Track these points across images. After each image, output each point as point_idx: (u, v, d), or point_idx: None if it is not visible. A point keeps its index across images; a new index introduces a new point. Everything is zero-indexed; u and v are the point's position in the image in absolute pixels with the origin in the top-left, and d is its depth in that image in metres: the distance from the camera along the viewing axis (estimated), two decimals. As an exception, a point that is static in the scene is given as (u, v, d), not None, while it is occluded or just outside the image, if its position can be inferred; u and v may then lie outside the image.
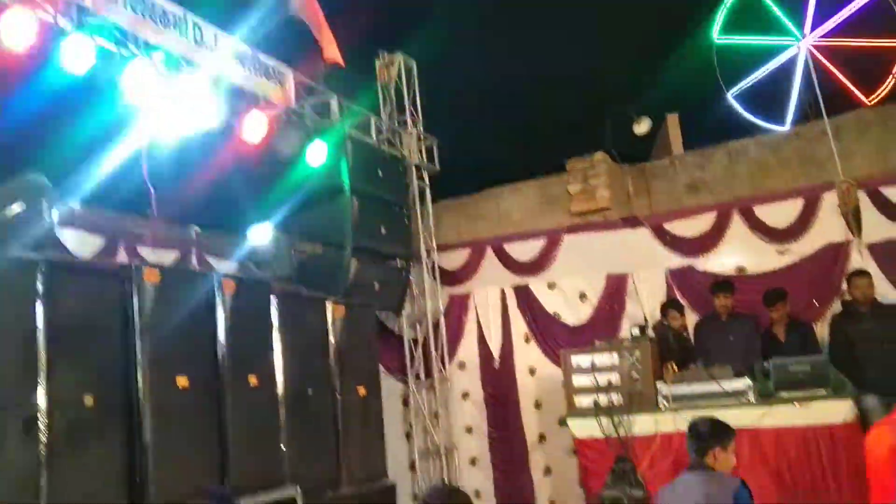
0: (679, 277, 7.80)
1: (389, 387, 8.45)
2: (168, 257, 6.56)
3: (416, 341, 8.74)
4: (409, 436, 8.87)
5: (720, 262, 7.67)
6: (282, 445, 5.54)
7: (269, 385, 5.53)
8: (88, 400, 4.28)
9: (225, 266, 6.71)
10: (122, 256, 6.17)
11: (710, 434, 3.84)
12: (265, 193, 6.63)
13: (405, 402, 8.91)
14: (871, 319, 6.47)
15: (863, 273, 6.60)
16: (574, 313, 8.31)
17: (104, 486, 4.31)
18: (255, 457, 5.25)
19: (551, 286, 8.44)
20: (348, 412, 6.24)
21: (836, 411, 5.75)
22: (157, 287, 4.73)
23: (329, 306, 6.27)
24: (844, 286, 6.86)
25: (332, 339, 6.24)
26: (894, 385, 6.15)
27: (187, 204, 6.09)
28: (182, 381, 4.79)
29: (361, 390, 6.47)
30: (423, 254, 8.65)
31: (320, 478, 5.86)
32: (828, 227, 7.21)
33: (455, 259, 8.90)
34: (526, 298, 8.51)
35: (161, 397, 4.65)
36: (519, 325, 8.57)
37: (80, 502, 4.13)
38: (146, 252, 6.33)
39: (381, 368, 7.57)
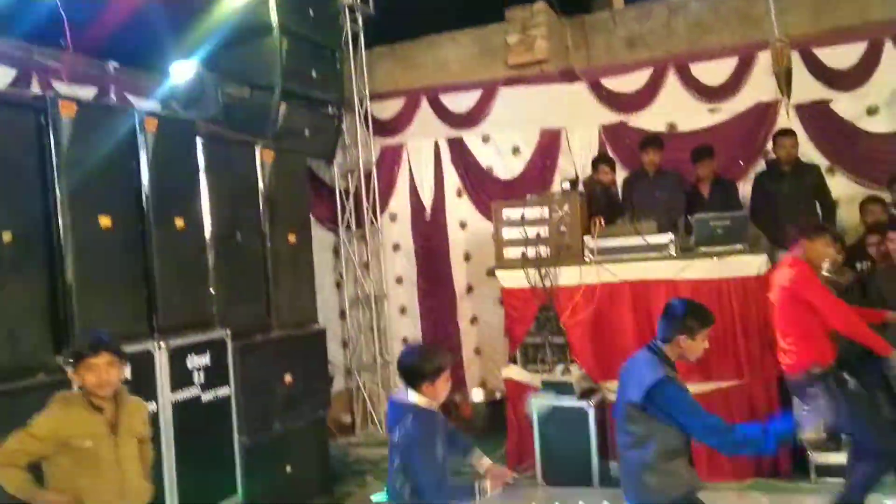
0: (611, 133, 7.83)
1: (320, 237, 8.45)
2: (85, 93, 6.20)
3: (347, 191, 8.68)
4: (339, 285, 8.98)
5: (652, 118, 7.70)
6: (210, 289, 5.51)
7: (196, 228, 5.42)
8: (6, 235, 4.12)
9: (146, 105, 6.39)
10: (35, 90, 5.81)
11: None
12: (188, 28, 6.27)
13: (336, 252, 8.96)
14: (792, 178, 6.68)
15: (788, 132, 6.75)
16: (507, 167, 8.32)
17: (28, 323, 4.23)
18: (183, 299, 5.21)
19: (485, 139, 8.40)
20: (278, 258, 6.21)
21: (750, 265, 6.02)
22: (74, 121, 4.48)
23: (258, 150, 6.09)
24: (770, 145, 7.03)
25: (261, 184, 6.12)
26: (807, 241, 6.46)
27: (104, 37, 5.73)
28: (104, 221, 4.65)
29: (292, 237, 6.42)
30: (356, 101, 8.44)
31: (250, 321, 5.89)
32: (759, 87, 7.26)
33: (389, 108, 8.71)
34: (460, 151, 8.46)
35: (83, 236, 4.51)
36: (452, 179, 8.56)
37: (4, 338, 4.07)
38: (61, 87, 5.97)
39: (312, 218, 7.52)
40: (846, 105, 7.08)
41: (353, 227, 8.70)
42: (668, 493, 3.62)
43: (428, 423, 3.38)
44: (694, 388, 5.93)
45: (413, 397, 3.45)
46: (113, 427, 3.55)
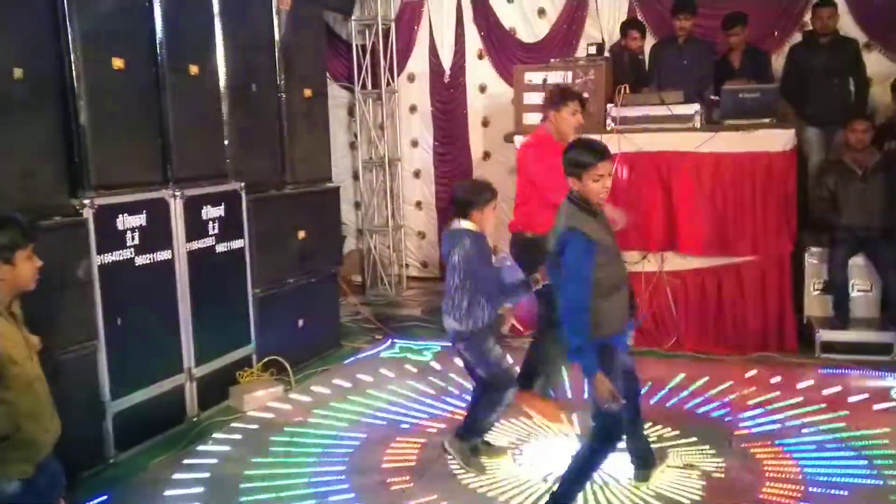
0: (643, -4, 7.47)
1: (335, 95, 8.27)
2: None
3: (364, 49, 8.41)
4: (353, 146, 8.86)
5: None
6: (225, 140, 5.44)
7: (211, 76, 5.27)
8: (17, 72, 4.00)
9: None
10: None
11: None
12: None
13: (350, 112, 8.79)
14: (828, 52, 6.41)
15: (828, 2, 6.42)
16: (531, 29, 8.00)
17: (42, 163, 4.16)
18: (198, 148, 5.15)
19: (510, -1, 8.05)
20: (293, 112, 6.10)
21: (778, 140, 5.86)
22: (84, -44, 4.29)
23: (274, -2, 5.88)
24: (808, 16, 6.72)
25: (276, 34, 5.92)
26: (836, 117, 6.28)
27: None
28: (118, 63, 4.51)
29: (307, 92, 6.29)
30: (376, -48, 8.06)
31: (264, 176, 5.85)
32: (801, -49, 6.87)
33: (410, -39, 8.32)
34: (483, 11, 8.11)
35: (96, 77, 4.38)
36: (473, 40, 8.26)
37: (18, 175, 4.02)
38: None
39: (328, 75, 7.33)
40: (892, -25, 6.71)
41: (370, 86, 8.49)
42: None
43: (481, 241, 4.05)
44: (707, 261, 6.02)
45: (465, 224, 4.07)
46: (26, 339, 2.82)
